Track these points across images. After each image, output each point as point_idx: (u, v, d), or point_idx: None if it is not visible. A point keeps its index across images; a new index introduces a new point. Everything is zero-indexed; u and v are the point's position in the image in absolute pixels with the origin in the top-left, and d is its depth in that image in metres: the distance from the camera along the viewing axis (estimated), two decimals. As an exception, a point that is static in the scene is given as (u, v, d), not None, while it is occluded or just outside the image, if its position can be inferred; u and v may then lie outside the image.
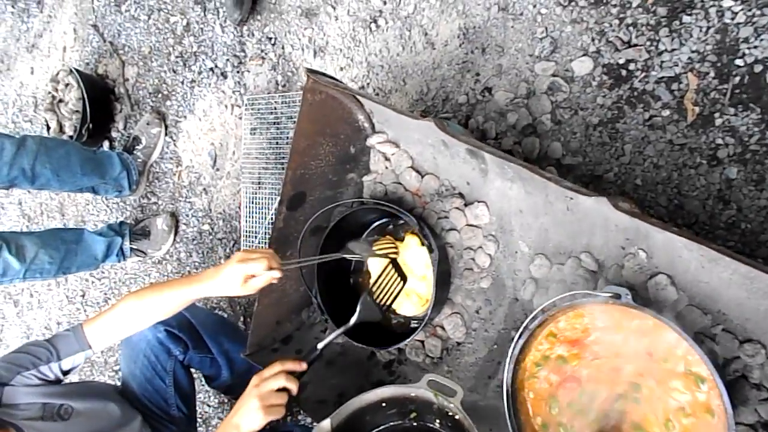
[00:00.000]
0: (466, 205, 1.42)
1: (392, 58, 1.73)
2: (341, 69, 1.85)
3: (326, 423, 1.23)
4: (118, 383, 1.59)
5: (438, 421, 1.26)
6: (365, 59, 1.78)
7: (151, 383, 1.47)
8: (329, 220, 1.49)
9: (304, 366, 1.30)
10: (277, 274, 1.24)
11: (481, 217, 1.40)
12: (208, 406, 2.05)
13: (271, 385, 1.24)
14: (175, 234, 2.29)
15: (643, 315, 1.07)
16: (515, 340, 1.21)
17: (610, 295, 1.11)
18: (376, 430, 1.30)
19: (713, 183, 1.21)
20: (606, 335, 1.15)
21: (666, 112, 1.27)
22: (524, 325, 1.21)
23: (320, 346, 1.32)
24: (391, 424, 1.30)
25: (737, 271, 0.99)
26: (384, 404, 1.27)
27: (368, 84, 1.78)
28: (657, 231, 1.06)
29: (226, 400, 2.01)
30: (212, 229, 2.18)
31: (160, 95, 2.39)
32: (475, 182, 1.38)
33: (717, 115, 1.21)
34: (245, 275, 1.22)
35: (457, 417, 1.18)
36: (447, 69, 1.61)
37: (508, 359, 1.21)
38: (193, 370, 1.67)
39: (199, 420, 1.98)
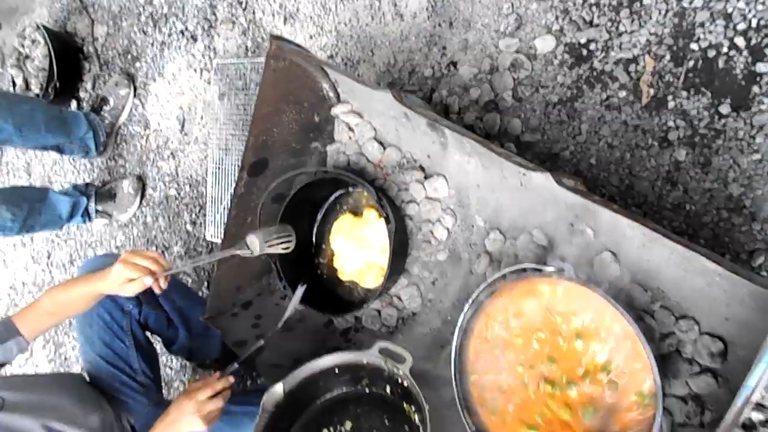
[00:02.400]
0: (426, 177, 1.45)
1: (361, 28, 1.73)
2: (311, 37, 1.84)
3: (278, 387, 1.27)
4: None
5: (389, 387, 1.30)
6: (335, 28, 1.78)
7: (111, 347, 1.48)
8: (291, 188, 1.51)
9: (231, 380, 1.37)
10: (149, 281, 1.25)
11: (440, 190, 1.43)
12: (170, 368, 2.08)
13: (207, 406, 1.30)
14: (142, 197, 2.29)
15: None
16: (464, 310, 1.25)
17: (554, 269, 1.15)
18: (329, 395, 1.34)
19: (663, 165, 1.24)
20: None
21: (622, 93, 1.30)
22: (474, 296, 1.25)
23: (237, 363, 1.39)
24: (344, 390, 1.33)
25: (675, 251, 1.03)
26: (337, 370, 1.30)
27: (337, 53, 1.78)
28: (603, 209, 1.10)
29: (187, 364, 2.04)
30: (179, 194, 2.18)
31: (129, 56, 2.36)
32: (436, 155, 1.41)
33: (670, 98, 1.24)
34: (124, 278, 1.24)
35: (406, 384, 1.22)
36: (414, 41, 1.62)
37: (457, 329, 1.26)
38: (152, 338, 1.68)
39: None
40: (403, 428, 1.24)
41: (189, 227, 2.13)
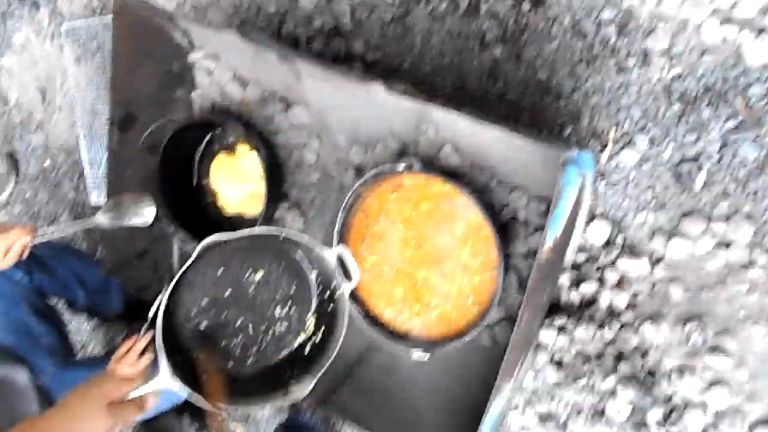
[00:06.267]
0: (287, 107, 1.56)
1: (204, -27, 1.80)
2: (157, -12, 1.89)
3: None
4: None
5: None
6: (179, -24, 1.84)
7: (6, 316, 1.50)
8: (163, 137, 1.59)
9: (149, 336, 1.31)
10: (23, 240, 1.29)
11: (302, 117, 1.55)
12: (83, 330, 2.16)
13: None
14: (17, 175, 2.28)
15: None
16: (338, 218, 1.43)
17: (404, 166, 1.34)
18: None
19: (484, 63, 1.45)
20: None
21: (444, 5, 1.47)
22: (343, 205, 1.43)
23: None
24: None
25: (496, 134, 1.24)
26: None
27: (185, 0, 1.85)
28: (433, 108, 1.29)
29: (100, 324, 2.12)
30: (55, 164, 2.19)
31: (-30, 33, 2.28)
32: (292, 85, 1.52)
33: (483, 2, 1.44)
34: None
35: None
36: (254, -19, 1.71)
37: (335, 233, 1.44)
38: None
39: (78, 347, 2.09)
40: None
41: (72, 195, 2.16)
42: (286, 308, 1.40)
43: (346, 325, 1.33)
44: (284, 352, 1.38)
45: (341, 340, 1.34)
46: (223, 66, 1.60)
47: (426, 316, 1.35)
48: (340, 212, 1.40)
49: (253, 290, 1.38)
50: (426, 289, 1.35)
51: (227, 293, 1.36)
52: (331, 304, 1.40)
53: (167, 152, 1.57)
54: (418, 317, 1.35)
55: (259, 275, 1.38)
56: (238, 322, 1.35)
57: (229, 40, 1.46)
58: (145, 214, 1.55)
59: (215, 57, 1.60)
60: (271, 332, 1.38)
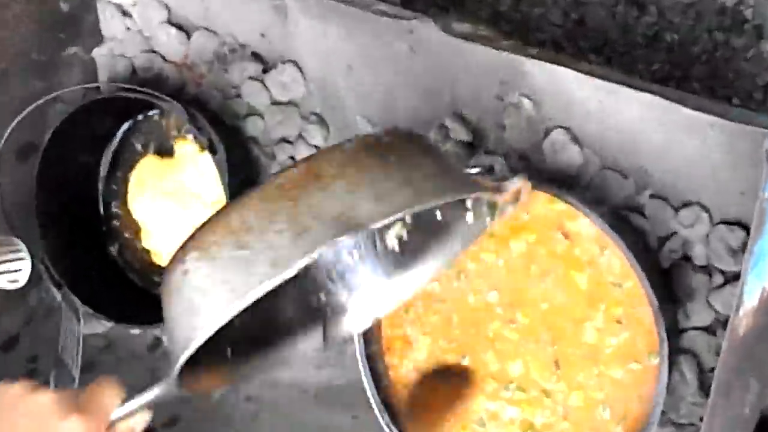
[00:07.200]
0: (266, 70, 1.60)
1: None
2: None
3: None
4: None
5: None
6: None
7: None
8: (44, 130, 1.62)
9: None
10: None
11: (292, 86, 1.57)
12: None
13: None
14: None
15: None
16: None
17: (479, 171, 1.34)
18: None
19: (619, -21, 1.46)
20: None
21: None
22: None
23: None
24: None
25: (645, 104, 1.24)
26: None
27: None
28: (529, 62, 1.29)
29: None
30: None
31: None
32: (273, 31, 1.55)
33: None
34: None
35: None
36: None
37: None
38: None
39: None
40: None
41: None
42: None
43: (456, 254, 1.19)
44: None
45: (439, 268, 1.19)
46: (150, 0, 1.64)
47: (529, 445, 1.35)
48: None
49: None
50: (527, 394, 1.36)
51: None
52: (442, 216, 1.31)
53: (52, 156, 1.62)
54: (516, 447, 1.35)
55: None
56: None
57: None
58: (12, 269, 1.55)
59: (135, -15, 1.65)
60: None
